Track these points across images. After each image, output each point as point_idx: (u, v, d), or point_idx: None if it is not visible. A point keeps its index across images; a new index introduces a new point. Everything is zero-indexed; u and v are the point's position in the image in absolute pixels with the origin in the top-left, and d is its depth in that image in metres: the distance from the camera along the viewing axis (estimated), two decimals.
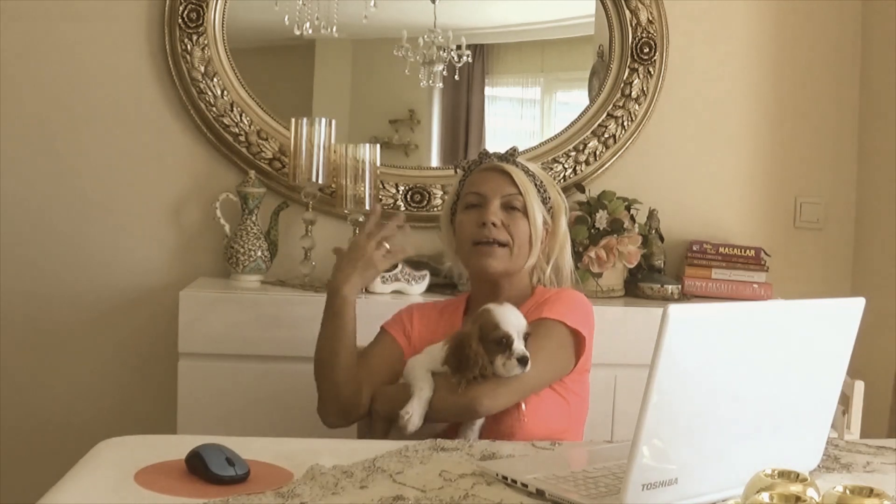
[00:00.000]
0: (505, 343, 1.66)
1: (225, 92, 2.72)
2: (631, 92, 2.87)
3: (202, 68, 2.70)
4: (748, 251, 2.79)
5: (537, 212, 1.88)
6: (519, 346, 1.66)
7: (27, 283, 2.71)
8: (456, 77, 2.88)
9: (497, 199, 1.87)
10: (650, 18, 2.86)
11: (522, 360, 1.66)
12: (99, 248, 2.73)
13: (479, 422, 1.75)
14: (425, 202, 2.79)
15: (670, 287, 2.70)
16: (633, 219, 2.72)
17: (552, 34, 3.02)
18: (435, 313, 1.96)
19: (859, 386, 2.25)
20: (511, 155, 1.95)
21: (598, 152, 2.87)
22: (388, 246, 1.85)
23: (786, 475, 1.12)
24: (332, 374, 1.82)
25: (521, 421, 1.72)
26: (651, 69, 2.87)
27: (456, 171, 2.00)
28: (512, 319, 1.69)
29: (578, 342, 1.81)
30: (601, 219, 2.64)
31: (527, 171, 1.92)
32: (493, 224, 1.84)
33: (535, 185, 1.91)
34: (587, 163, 2.87)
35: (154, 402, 2.68)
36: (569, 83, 3.10)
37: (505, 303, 1.74)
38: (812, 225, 3.00)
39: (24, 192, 2.71)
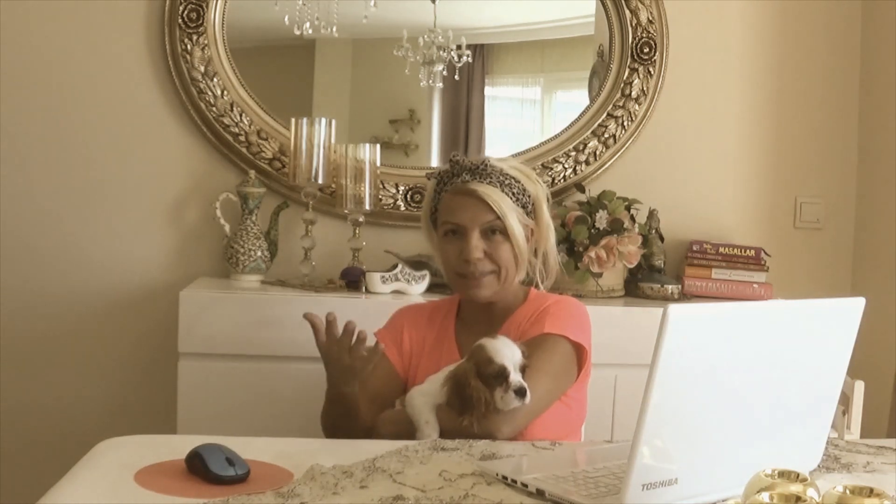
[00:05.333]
0: (501, 376, 1.64)
1: (225, 92, 2.72)
2: (631, 92, 2.87)
3: (202, 68, 2.70)
4: (748, 251, 2.79)
5: (517, 230, 1.83)
6: (515, 378, 1.64)
7: (27, 283, 2.71)
8: (456, 77, 2.88)
9: (476, 230, 1.82)
10: (650, 18, 2.86)
11: (520, 392, 1.63)
12: (99, 247, 2.73)
13: None
14: None
15: (670, 287, 2.70)
16: (633, 219, 2.71)
17: (552, 34, 3.01)
18: (424, 320, 1.95)
19: (859, 386, 2.25)
20: (482, 170, 1.83)
21: (598, 152, 2.87)
22: (362, 352, 1.69)
23: (786, 475, 1.12)
24: (345, 432, 1.75)
25: (522, 434, 1.71)
26: (651, 69, 2.87)
27: (429, 180, 1.92)
28: (506, 352, 1.66)
29: (580, 353, 1.82)
30: (601, 219, 2.64)
31: (501, 181, 1.83)
32: (478, 259, 1.81)
33: (512, 192, 1.84)
34: (587, 163, 2.87)
35: (154, 402, 2.68)
36: (569, 83, 3.10)
37: (498, 336, 1.71)
38: (812, 225, 3.00)
39: (24, 193, 2.71)
